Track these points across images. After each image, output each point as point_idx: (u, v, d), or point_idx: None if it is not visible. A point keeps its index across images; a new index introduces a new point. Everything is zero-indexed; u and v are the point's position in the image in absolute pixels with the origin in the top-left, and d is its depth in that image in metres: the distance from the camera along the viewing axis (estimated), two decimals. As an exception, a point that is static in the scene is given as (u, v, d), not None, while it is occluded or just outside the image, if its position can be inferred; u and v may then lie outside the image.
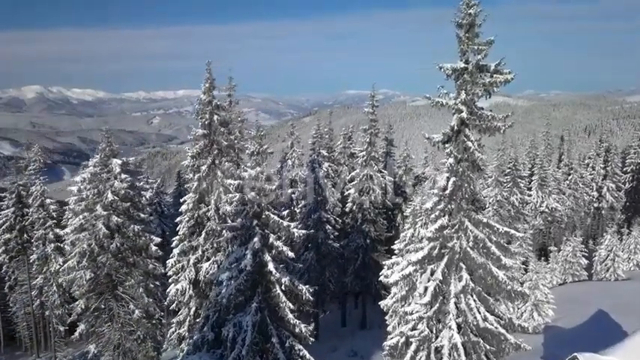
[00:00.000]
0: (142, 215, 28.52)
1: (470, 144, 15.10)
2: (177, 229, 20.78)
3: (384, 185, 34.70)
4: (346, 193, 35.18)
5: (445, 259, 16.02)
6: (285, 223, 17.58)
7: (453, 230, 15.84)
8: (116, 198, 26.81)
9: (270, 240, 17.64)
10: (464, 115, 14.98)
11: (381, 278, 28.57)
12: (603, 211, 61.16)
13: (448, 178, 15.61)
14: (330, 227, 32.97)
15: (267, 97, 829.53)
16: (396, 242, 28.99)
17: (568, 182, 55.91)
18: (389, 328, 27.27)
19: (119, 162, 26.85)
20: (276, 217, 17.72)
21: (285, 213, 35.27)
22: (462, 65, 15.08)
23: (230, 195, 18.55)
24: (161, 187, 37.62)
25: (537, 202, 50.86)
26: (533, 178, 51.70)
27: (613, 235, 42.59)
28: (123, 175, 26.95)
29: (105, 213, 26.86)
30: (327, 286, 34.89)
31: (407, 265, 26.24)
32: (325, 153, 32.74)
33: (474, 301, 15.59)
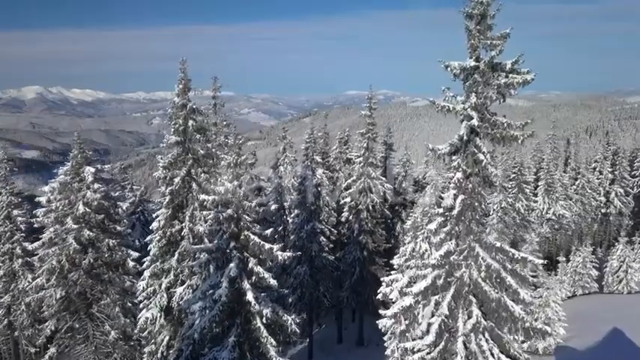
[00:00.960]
0: (119, 228, 26.20)
1: (481, 156, 12.76)
2: (149, 247, 18.43)
3: (382, 193, 32.34)
4: (342, 201, 32.82)
5: (452, 290, 13.68)
6: (268, 246, 15.22)
7: (461, 257, 13.49)
8: (88, 210, 24.51)
9: (250, 265, 15.29)
10: (474, 122, 12.64)
11: (379, 296, 26.28)
12: (611, 217, 58.79)
13: (455, 196, 13.27)
14: (324, 239, 30.63)
15: (268, 97, 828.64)
16: (395, 257, 26.66)
17: (575, 187, 53.56)
18: (387, 352, 25.04)
19: (92, 170, 24.51)
20: (256, 239, 15.37)
21: (271, 225, 33.23)
22: (473, 63, 12.75)
23: (204, 212, 16.23)
24: (144, 195, 35.26)
25: (544, 208, 48.51)
26: (539, 184, 49.36)
27: (625, 245, 40.21)
28: (96, 185, 24.61)
29: (76, 226, 24.52)
30: (321, 302, 32.56)
31: (407, 281, 23.98)
32: (319, 159, 30.42)
33: (486, 341, 13.23)
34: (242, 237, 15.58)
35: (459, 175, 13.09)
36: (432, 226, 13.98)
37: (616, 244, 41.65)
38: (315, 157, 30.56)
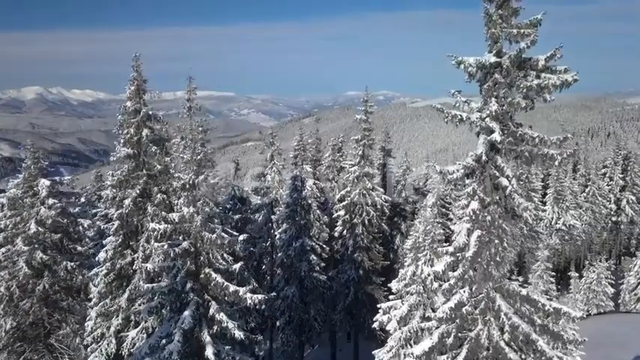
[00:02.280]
0: (79, 248, 23.13)
1: (504, 181, 9.70)
2: (95, 282, 15.35)
3: (380, 205, 29.22)
4: (335, 214, 29.70)
5: (464, 352, 10.61)
6: (233, 288, 12.14)
7: (477, 310, 10.42)
8: (42, 229, 21.44)
9: (211, 311, 12.21)
10: (495, 136, 9.57)
11: (375, 324, 23.19)
12: (622, 226, 55.67)
13: (470, 232, 10.20)
14: (315, 257, 27.50)
15: (267, 98, 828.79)
16: (394, 281, 23.48)
17: (585, 195, 50.45)
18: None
19: (47, 183, 21.37)
20: (219, 279, 12.28)
21: (256, 241, 30.03)
22: (493, 59, 9.69)
23: (156, 245, 13.18)
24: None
25: (553, 218, 45.39)
26: (547, 192, 46.22)
27: (644, 260, 37.13)
28: (51, 200, 21.49)
29: (27, 248, 21.45)
30: (312, 326, 29.45)
31: (407, 310, 20.96)
32: (309, 169, 27.34)
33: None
34: (202, 275, 12.49)
35: (474, 204, 10.01)
36: (439, 267, 10.91)
37: (634, 258, 38.51)
38: (305, 166, 27.46)
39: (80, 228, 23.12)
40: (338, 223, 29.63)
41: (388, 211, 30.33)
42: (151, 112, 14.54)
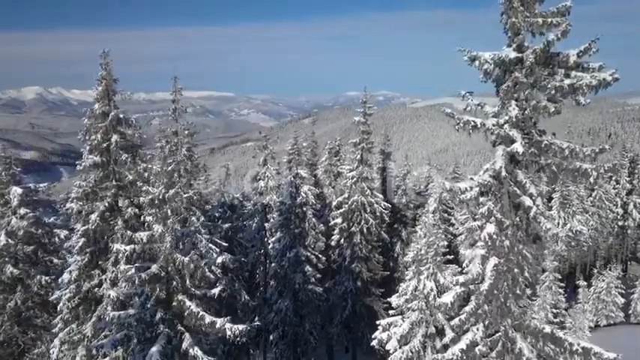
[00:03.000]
0: (56, 260, 21.56)
1: (527, 200, 8.10)
2: (59, 306, 13.72)
3: (379, 213, 27.57)
4: (332, 222, 28.05)
5: (478, 400, 8.99)
6: (209, 319, 10.51)
7: (493, 353, 8.80)
8: (12, 241, 19.86)
9: (184, 345, 10.56)
10: (517, 146, 7.95)
11: (374, 342, 21.59)
12: (629, 231, 53.93)
13: (485, 259, 8.59)
14: (310, 268, 25.81)
15: (267, 98, 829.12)
16: (394, 296, 21.85)
17: (592, 199, 48.72)
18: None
19: (20, 191, 19.75)
20: (194, 308, 10.65)
21: (248, 251, 28.33)
22: (513, 55, 8.08)
23: (123, 267, 11.55)
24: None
25: (559, 224, 43.65)
26: (553, 196, 44.50)
27: (655, 269, 35.44)
28: (23, 210, 19.90)
29: (-4, 262, 19.94)
30: (307, 340, 27.78)
31: (408, 329, 19.44)
32: (304, 174, 25.66)
33: None
34: (174, 303, 10.86)
35: (490, 228, 8.38)
36: (447, 298, 9.29)
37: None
38: (300, 170, 25.77)
39: (57, 239, 21.51)
40: (335, 232, 28.00)
41: (388, 218, 28.65)
42: (121, 116, 12.95)
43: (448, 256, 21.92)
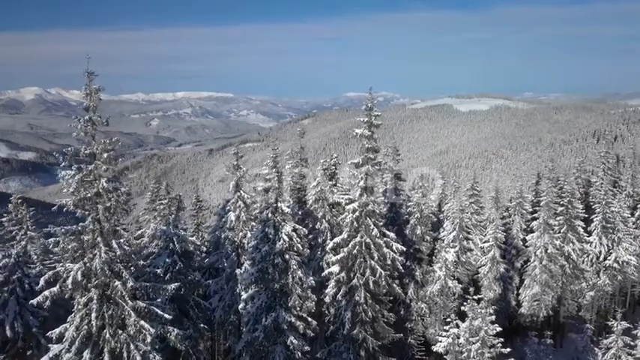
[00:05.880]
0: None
1: None
2: None
3: (390, 259, 20.23)
4: (326, 271, 20.77)
5: None
6: None
7: None
8: None
9: None
10: None
11: None
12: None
13: None
14: (294, 340, 18.47)
15: (267, 99, 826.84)
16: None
17: (634, 220, 41.39)
18: None
19: None
20: None
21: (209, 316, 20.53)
22: None
23: None
24: (27, 254, 23.13)
25: (600, 252, 36.42)
26: (592, 218, 37.24)
27: None
28: None
29: None
30: None
31: None
32: (286, 209, 18.33)
33: None
34: None
35: None
36: None
37: None
38: (282, 204, 18.47)
39: None
40: (330, 283, 20.70)
41: (402, 267, 21.33)
42: None
43: (502, 349, 14.71)
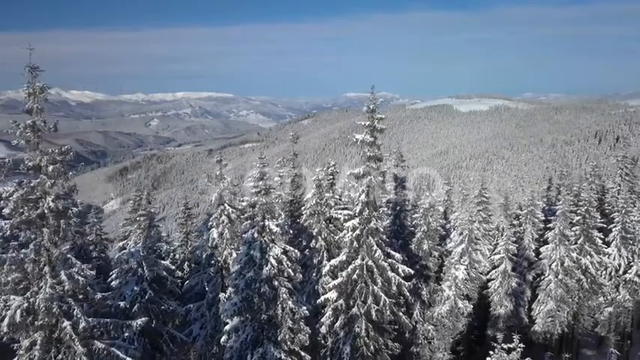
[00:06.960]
0: None
1: None
2: None
3: (396, 285, 17.57)
4: (322, 297, 18.10)
5: None
6: None
7: None
8: None
9: None
10: None
11: None
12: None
13: None
14: (285, 381, 15.86)
15: (266, 99, 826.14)
16: None
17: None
18: None
19: None
20: None
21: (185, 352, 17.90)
22: None
23: None
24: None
25: (619, 265, 33.77)
26: (611, 228, 34.58)
27: None
28: None
29: None
30: None
31: None
32: (275, 227, 15.68)
33: None
34: None
35: None
36: None
37: None
38: (269, 222, 15.82)
39: None
40: (326, 311, 18.03)
41: (409, 293, 18.67)
42: None
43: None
